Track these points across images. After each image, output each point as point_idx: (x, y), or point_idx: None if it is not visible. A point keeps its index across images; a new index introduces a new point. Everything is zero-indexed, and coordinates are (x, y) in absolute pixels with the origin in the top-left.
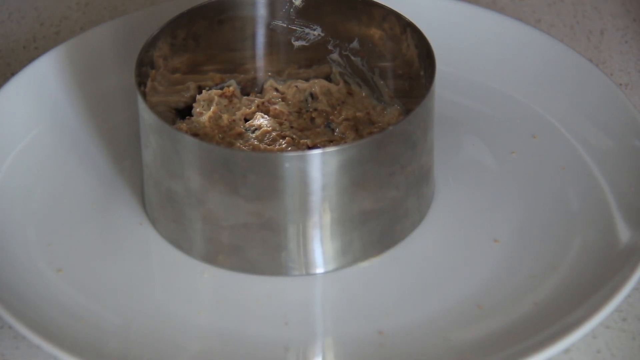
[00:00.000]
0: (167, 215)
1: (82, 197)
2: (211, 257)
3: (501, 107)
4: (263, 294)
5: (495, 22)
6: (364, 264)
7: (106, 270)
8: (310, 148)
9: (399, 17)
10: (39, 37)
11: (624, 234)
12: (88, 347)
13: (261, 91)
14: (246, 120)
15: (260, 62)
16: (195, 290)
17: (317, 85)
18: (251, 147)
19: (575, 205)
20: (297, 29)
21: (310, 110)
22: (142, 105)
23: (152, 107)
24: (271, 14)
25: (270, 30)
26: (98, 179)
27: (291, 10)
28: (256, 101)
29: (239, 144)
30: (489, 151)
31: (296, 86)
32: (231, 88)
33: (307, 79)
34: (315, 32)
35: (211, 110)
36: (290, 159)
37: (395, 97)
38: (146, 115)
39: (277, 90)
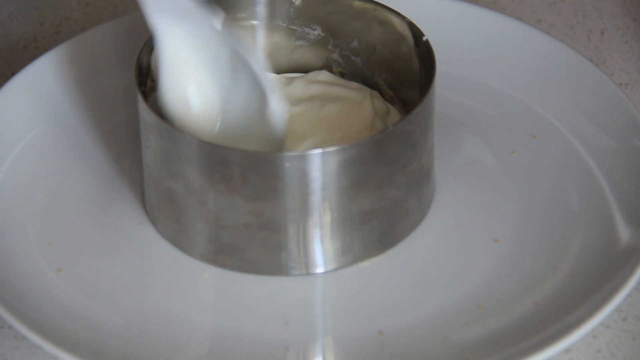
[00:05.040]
0: (168, 215)
1: (82, 197)
2: (211, 257)
3: (501, 107)
4: (263, 293)
5: (495, 22)
6: (364, 264)
7: (106, 270)
8: None
9: (399, 16)
10: (39, 37)
11: (624, 233)
12: (88, 347)
13: None
14: None
15: None
16: (195, 290)
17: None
18: None
19: (576, 205)
20: (297, 28)
21: None
22: (142, 105)
23: (153, 106)
24: (271, 14)
25: (270, 30)
26: (98, 179)
27: (291, 10)
28: None
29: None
30: (489, 151)
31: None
32: None
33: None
34: (316, 32)
35: None
36: (290, 159)
37: (396, 97)
38: (146, 115)
39: None
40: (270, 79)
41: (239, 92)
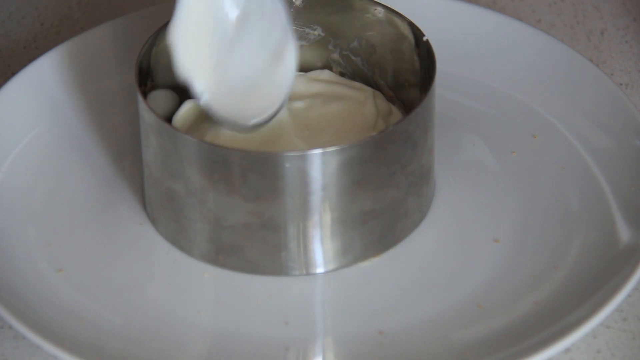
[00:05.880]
0: (168, 215)
1: (82, 197)
2: (211, 257)
3: (501, 107)
4: (263, 293)
5: (495, 22)
6: (364, 264)
7: (106, 270)
8: None
9: (399, 16)
10: (39, 37)
11: (624, 233)
12: (88, 347)
13: None
14: None
15: None
16: (195, 290)
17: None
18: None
19: (576, 205)
20: (298, 29)
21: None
22: (142, 105)
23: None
24: None
25: None
26: (98, 179)
27: (291, 10)
28: None
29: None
30: (489, 151)
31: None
32: None
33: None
34: (316, 32)
35: None
36: (290, 159)
37: (396, 97)
38: (146, 115)
39: None
40: (291, 30)
41: (249, 40)
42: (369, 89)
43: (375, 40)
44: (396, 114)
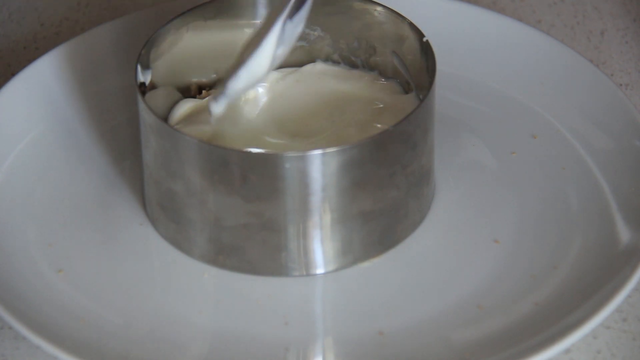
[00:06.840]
0: (167, 216)
1: (82, 197)
2: (211, 258)
3: (501, 107)
4: (263, 294)
5: (495, 22)
6: (364, 265)
7: (106, 271)
8: None
9: (399, 17)
10: (39, 37)
11: (624, 234)
12: (88, 347)
13: None
14: None
15: None
16: (195, 291)
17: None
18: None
19: (575, 205)
20: None
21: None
22: (142, 105)
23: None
24: None
25: None
26: (98, 179)
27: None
28: None
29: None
30: (489, 151)
31: None
32: None
33: None
34: (316, 33)
35: None
36: (290, 159)
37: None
38: (146, 115)
39: None
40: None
41: None
42: (367, 74)
43: (375, 40)
44: (396, 91)
